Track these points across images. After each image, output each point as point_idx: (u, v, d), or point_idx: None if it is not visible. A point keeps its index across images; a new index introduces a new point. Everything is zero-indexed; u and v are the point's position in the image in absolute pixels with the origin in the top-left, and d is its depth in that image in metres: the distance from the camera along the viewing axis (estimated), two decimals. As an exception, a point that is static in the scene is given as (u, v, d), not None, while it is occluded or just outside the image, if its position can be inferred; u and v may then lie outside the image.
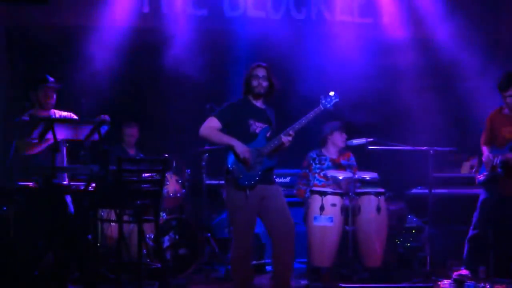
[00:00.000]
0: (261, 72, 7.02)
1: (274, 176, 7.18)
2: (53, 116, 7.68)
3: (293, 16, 10.53)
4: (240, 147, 6.82)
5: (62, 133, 7.15)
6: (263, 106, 7.08)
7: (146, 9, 10.15)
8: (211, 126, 6.94)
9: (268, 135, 7.00)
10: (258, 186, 6.88)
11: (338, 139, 8.88)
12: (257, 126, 6.95)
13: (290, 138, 6.91)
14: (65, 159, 7.78)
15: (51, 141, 7.02)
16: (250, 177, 6.85)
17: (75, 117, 7.74)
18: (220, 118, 6.94)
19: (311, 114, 7.04)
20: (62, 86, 7.77)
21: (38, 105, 7.71)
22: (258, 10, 10.42)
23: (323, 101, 7.15)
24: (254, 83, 7.00)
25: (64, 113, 7.81)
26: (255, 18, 10.35)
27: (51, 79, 7.72)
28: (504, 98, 7.88)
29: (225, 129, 6.97)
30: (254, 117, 6.98)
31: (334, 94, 7.24)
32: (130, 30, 9.89)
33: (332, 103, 7.18)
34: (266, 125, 7.00)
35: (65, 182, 7.43)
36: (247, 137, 6.93)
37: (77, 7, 9.81)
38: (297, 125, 6.95)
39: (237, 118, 6.97)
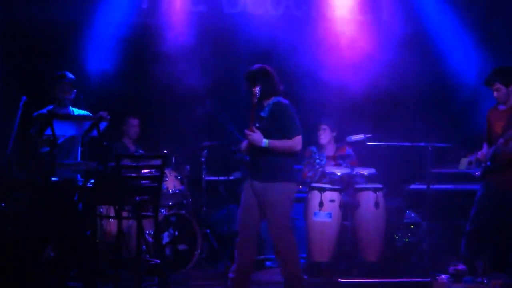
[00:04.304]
0: (247, 84, 7.11)
1: (275, 173, 7.04)
2: (71, 114, 7.76)
3: (293, 13, 10.53)
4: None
5: (70, 130, 7.24)
6: (264, 103, 7.09)
7: (144, 5, 10.16)
8: None
9: None
10: (249, 181, 7.06)
11: (318, 136, 8.94)
12: (252, 125, 7.01)
13: (250, 136, 6.94)
14: (79, 156, 7.85)
15: (61, 139, 7.10)
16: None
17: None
18: None
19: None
20: (76, 81, 7.88)
21: (56, 102, 7.82)
22: (258, 7, 10.41)
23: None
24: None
25: (83, 112, 7.88)
26: (254, 14, 10.34)
27: (70, 75, 7.80)
28: (493, 93, 7.98)
29: None
30: (255, 116, 7.04)
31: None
32: (128, 26, 9.89)
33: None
34: (256, 123, 7.04)
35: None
36: None
37: (75, 2, 9.80)
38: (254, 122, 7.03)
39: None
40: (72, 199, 7.33)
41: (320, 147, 9.02)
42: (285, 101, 7.08)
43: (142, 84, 10.01)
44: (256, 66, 7.15)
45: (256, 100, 7.00)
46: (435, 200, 8.67)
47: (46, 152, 7.21)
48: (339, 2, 10.49)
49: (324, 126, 8.94)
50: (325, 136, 8.94)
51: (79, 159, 7.82)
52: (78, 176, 7.70)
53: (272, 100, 7.08)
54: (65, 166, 7.55)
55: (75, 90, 7.86)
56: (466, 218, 8.10)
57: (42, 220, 6.91)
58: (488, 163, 7.86)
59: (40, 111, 7.72)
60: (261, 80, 7.04)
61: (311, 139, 9.09)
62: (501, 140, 7.73)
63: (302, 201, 8.98)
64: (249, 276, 7.14)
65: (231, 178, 9.29)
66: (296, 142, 6.99)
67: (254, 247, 7.11)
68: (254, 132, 6.90)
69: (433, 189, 8.61)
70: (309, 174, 8.84)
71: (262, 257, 9.01)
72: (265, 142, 6.91)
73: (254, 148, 6.97)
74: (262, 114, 7.03)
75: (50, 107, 7.83)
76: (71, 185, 7.26)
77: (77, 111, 7.88)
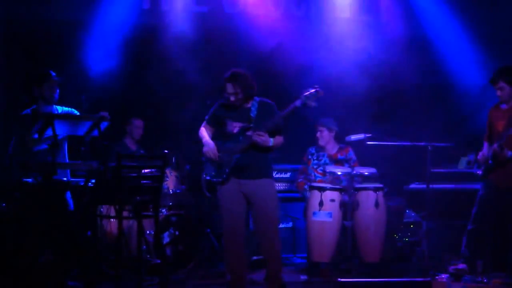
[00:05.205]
0: (230, 88, 7.16)
1: (265, 170, 7.25)
2: (55, 112, 7.74)
3: (293, 13, 10.54)
4: (205, 147, 7.21)
5: (62, 129, 7.22)
6: (247, 105, 7.13)
7: (146, 6, 10.17)
8: (202, 129, 7.39)
9: (248, 133, 7.08)
10: (236, 181, 7.11)
11: (318, 136, 8.97)
12: (235, 126, 7.12)
13: (262, 137, 6.98)
14: (67, 155, 7.84)
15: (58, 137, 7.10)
16: (219, 174, 7.14)
17: (77, 112, 7.80)
18: (208, 123, 7.38)
19: (284, 112, 7.12)
20: (63, 80, 7.86)
21: (42, 100, 7.77)
22: (258, 7, 10.42)
23: (303, 97, 7.13)
24: (225, 96, 7.22)
25: (66, 109, 7.87)
26: (255, 14, 10.36)
27: (54, 73, 7.80)
28: (496, 91, 8.00)
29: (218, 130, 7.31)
30: (232, 118, 7.17)
31: (315, 89, 7.16)
32: (130, 26, 9.89)
33: (312, 99, 7.13)
34: (244, 124, 7.07)
35: (64, 179, 7.47)
36: (226, 137, 7.21)
37: (77, 2, 9.81)
38: (270, 124, 7.07)
39: (219, 120, 7.27)
40: (64, 199, 7.35)
41: (320, 147, 9.04)
42: (269, 100, 7.17)
43: (143, 84, 10.00)
44: (239, 69, 7.26)
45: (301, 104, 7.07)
46: (435, 199, 8.69)
47: (44, 151, 7.23)
48: (339, 2, 10.51)
49: (321, 128, 8.97)
50: (323, 137, 8.98)
51: (67, 158, 7.82)
52: (68, 176, 7.71)
53: (254, 100, 7.17)
54: (65, 166, 7.56)
55: (58, 88, 7.85)
56: (466, 218, 8.11)
57: (42, 221, 6.92)
58: (490, 161, 7.88)
59: (26, 111, 7.69)
60: (248, 82, 7.12)
61: (312, 139, 9.11)
62: (495, 146, 7.75)
63: (301, 201, 9.04)
64: (245, 276, 7.24)
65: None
66: (282, 138, 7.24)
67: (244, 248, 7.22)
68: (263, 133, 6.98)
69: (433, 189, 8.63)
70: (306, 187, 8.85)
71: (261, 257, 9.01)
72: (271, 141, 7.04)
73: (249, 148, 7.04)
74: (251, 114, 7.08)
75: (34, 106, 7.79)
76: (62, 186, 7.26)
77: (60, 109, 7.85)
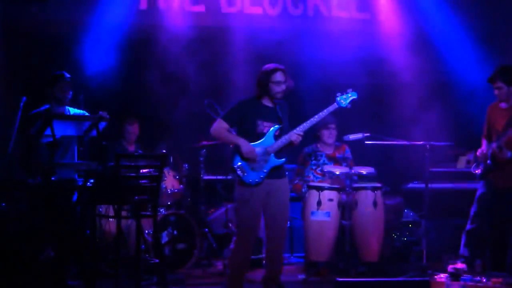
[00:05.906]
0: (281, 76, 7.01)
1: (284, 171, 7.23)
2: (67, 113, 7.76)
3: (290, 12, 10.54)
4: (245, 147, 6.94)
5: (70, 130, 7.26)
6: (272, 105, 7.08)
7: (143, 6, 10.16)
8: (220, 127, 7.07)
9: (277, 133, 7.03)
10: (265, 182, 6.99)
11: (324, 135, 8.93)
12: (265, 126, 7.00)
13: (299, 138, 6.97)
14: (76, 155, 7.85)
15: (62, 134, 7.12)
16: (255, 175, 6.97)
17: (88, 115, 7.80)
18: (227, 120, 7.07)
19: (324, 112, 7.08)
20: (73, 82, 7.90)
21: (54, 101, 7.81)
22: (255, 6, 10.43)
23: (339, 99, 7.14)
24: (276, 89, 7.00)
25: (78, 111, 7.89)
26: (252, 14, 10.36)
27: (67, 74, 7.81)
28: (494, 90, 8.00)
29: (235, 128, 7.12)
30: (262, 117, 7.03)
31: (351, 91, 7.18)
32: (127, 27, 9.89)
33: (348, 101, 7.15)
34: (274, 124, 7.02)
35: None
36: (255, 137, 7.02)
37: (75, 3, 9.80)
38: (308, 124, 7.01)
39: (245, 119, 7.06)
40: (71, 199, 7.35)
41: (322, 145, 8.99)
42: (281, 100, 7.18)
43: (141, 84, 10.00)
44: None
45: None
46: (433, 199, 8.68)
47: (46, 148, 7.22)
48: (335, 0, 10.51)
49: (333, 126, 8.93)
50: (333, 135, 8.94)
51: (76, 158, 7.83)
52: (76, 175, 7.73)
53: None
54: (65, 166, 7.56)
55: (71, 90, 7.87)
56: (464, 217, 8.12)
57: (42, 220, 6.92)
58: (489, 161, 7.88)
59: (37, 110, 7.72)
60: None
61: (308, 139, 9.10)
62: (494, 146, 7.76)
63: (299, 200, 9.03)
64: (245, 274, 7.24)
65: (229, 177, 9.30)
66: None
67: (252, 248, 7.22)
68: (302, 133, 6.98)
69: (431, 188, 8.62)
70: (304, 189, 8.84)
71: (260, 256, 9.01)
72: None
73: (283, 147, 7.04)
74: (279, 114, 7.04)
75: (47, 106, 7.83)
76: (70, 185, 7.27)
77: (73, 110, 7.89)
